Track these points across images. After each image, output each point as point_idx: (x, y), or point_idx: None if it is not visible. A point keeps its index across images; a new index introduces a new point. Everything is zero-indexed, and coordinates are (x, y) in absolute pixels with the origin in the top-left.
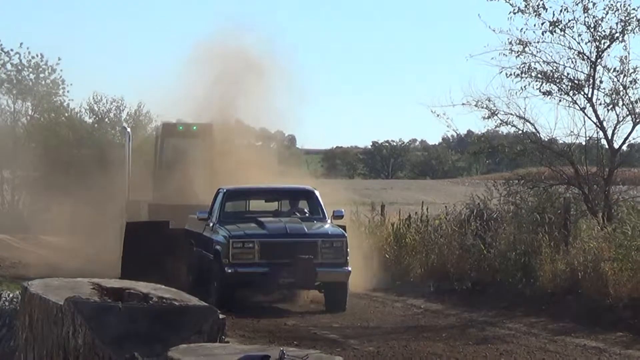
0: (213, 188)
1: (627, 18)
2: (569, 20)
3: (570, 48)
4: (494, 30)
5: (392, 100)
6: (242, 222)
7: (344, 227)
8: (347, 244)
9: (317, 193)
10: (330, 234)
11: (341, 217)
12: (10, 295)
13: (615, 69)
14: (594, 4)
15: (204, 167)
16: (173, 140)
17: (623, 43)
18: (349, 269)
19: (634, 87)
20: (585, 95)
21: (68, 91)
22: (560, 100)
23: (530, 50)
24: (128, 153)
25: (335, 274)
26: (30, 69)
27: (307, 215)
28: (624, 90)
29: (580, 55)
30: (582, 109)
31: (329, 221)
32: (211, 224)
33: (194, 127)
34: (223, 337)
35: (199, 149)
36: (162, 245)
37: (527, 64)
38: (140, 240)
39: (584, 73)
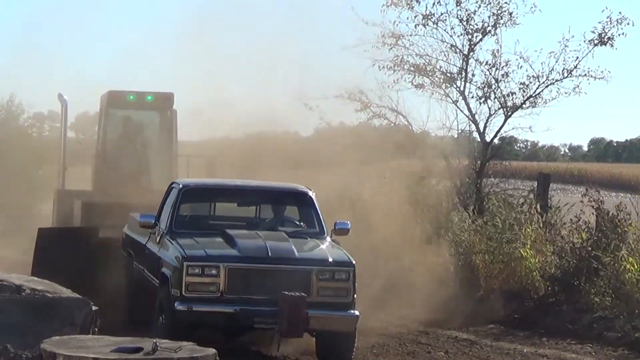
0: (174, 178)
1: (499, 11)
2: (442, 14)
3: (443, 41)
4: (367, 23)
5: (264, 92)
6: (203, 234)
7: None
8: (355, 275)
9: (312, 195)
10: (331, 262)
11: (346, 231)
12: None
13: (487, 62)
14: None
15: (162, 149)
16: (121, 112)
17: (495, 36)
18: (357, 312)
19: (506, 80)
20: (458, 89)
21: None
22: (432, 93)
23: (403, 43)
24: (63, 127)
25: (336, 320)
26: None
27: (298, 227)
28: (496, 84)
29: (453, 49)
30: (455, 102)
31: (327, 238)
32: (158, 235)
33: (149, 97)
34: (96, 329)
35: (156, 125)
36: (86, 259)
37: (400, 57)
38: (56, 252)
39: (456, 66)
